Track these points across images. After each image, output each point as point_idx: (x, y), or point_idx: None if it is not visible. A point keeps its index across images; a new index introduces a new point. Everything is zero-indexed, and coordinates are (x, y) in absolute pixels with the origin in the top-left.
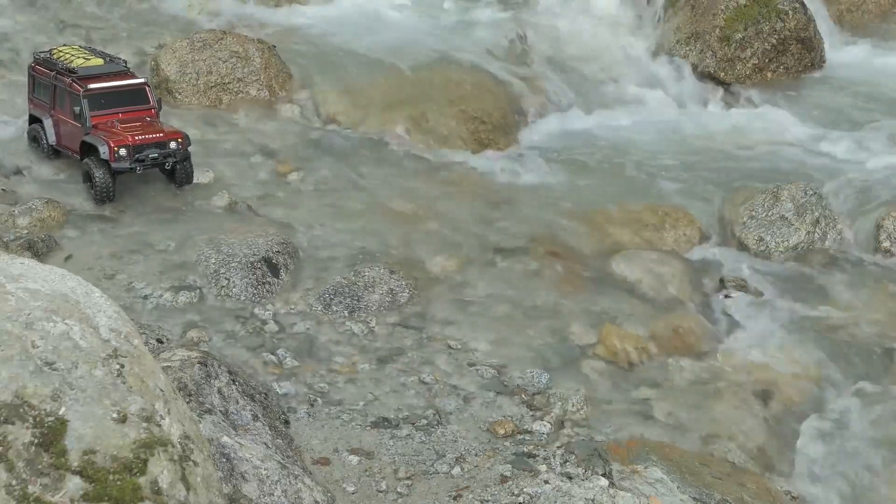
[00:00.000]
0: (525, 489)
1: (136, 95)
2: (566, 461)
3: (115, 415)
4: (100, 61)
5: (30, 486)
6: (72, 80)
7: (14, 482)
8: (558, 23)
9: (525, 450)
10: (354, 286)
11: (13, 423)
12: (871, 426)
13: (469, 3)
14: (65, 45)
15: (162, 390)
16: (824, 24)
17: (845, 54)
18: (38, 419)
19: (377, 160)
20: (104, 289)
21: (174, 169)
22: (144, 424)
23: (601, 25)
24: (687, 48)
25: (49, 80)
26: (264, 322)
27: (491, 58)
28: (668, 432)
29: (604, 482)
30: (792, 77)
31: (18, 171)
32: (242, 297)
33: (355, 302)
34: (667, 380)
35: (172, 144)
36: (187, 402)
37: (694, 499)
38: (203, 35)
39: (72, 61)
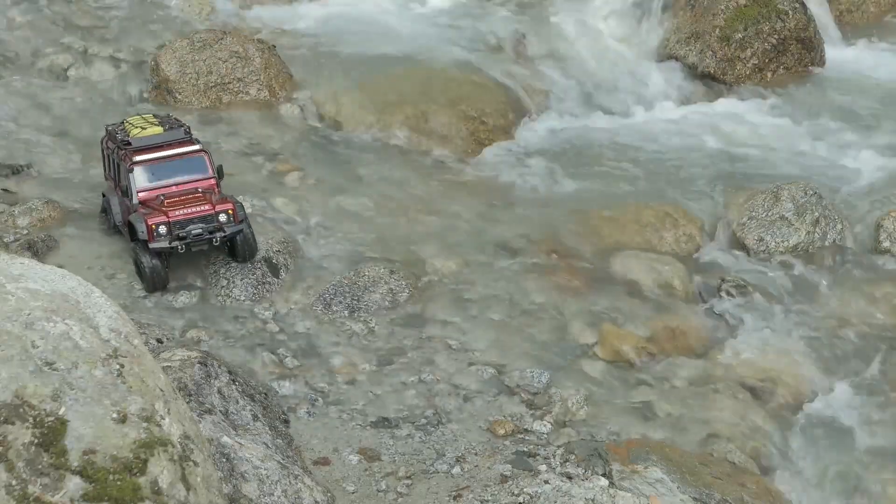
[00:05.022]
0: (525, 489)
1: (192, 165)
2: (566, 461)
3: (115, 415)
4: (159, 129)
5: (30, 486)
6: (125, 152)
7: (14, 482)
8: (558, 22)
9: (525, 449)
10: (354, 286)
11: (13, 423)
12: (871, 426)
13: (469, 3)
14: (137, 114)
15: (162, 390)
16: (824, 24)
17: (845, 54)
18: (38, 419)
19: (377, 160)
20: (104, 288)
21: (232, 244)
22: (144, 424)
23: (601, 25)
24: (687, 48)
25: (113, 155)
26: (264, 322)
27: (490, 57)
28: (668, 432)
29: (604, 482)
30: (792, 77)
31: (17, 171)
32: (242, 297)
33: (355, 302)
34: (667, 380)
35: (222, 217)
36: (187, 402)
37: (694, 499)
38: (203, 35)
39: (131, 132)
